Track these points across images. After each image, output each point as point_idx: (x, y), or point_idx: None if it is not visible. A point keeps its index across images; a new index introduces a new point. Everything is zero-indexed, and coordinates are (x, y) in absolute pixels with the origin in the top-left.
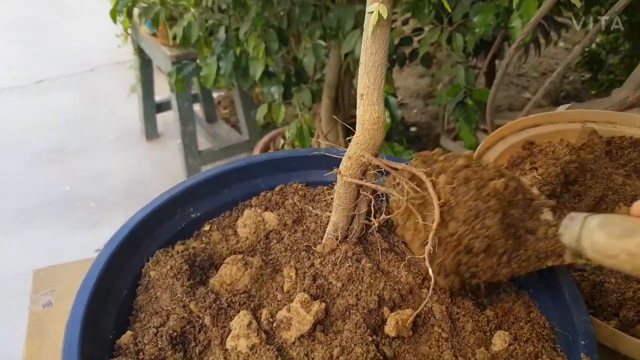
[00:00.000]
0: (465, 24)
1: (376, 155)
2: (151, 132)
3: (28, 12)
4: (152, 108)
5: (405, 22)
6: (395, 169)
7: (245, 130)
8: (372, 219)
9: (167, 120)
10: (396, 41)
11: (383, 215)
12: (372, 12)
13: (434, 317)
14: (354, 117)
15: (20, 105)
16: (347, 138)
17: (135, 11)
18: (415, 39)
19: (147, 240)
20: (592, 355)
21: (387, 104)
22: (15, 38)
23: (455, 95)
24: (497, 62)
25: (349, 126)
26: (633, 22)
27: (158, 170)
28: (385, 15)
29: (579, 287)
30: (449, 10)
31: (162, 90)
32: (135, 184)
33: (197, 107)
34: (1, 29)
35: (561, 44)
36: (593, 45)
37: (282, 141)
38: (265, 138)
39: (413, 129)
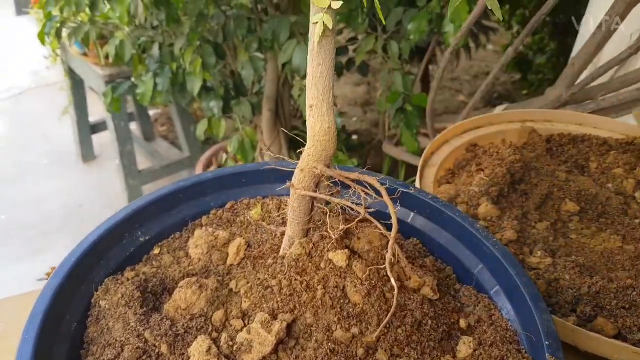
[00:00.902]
0: (398, 31)
1: (329, 166)
2: (87, 153)
3: None
4: (86, 129)
5: (339, 32)
6: (349, 179)
7: (186, 146)
8: (328, 231)
9: (103, 140)
10: None
11: (341, 226)
12: (316, 22)
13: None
14: (296, 127)
15: None
16: (298, 150)
17: (64, 31)
18: (351, 47)
19: (95, 268)
20: (556, 355)
21: None
22: None
23: (395, 102)
24: (430, 67)
25: (295, 136)
26: (556, 22)
27: (97, 193)
28: (330, 25)
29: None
30: (383, 21)
31: (96, 110)
32: (73, 208)
33: (133, 126)
34: None
35: (490, 46)
36: (520, 47)
37: (224, 156)
38: (207, 153)
39: (354, 136)
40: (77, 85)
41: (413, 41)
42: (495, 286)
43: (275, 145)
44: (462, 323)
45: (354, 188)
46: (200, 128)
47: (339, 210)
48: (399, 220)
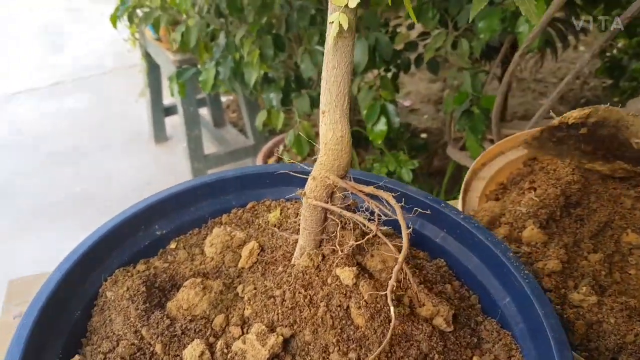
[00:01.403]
0: (471, 28)
1: (343, 177)
2: (160, 135)
3: (46, 17)
4: (160, 112)
5: (410, 27)
6: (363, 192)
7: (251, 135)
8: (333, 245)
9: (176, 123)
10: (401, 46)
11: (351, 242)
12: (332, 22)
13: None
14: (360, 123)
15: (37, 107)
16: (314, 158)
17: (139, 15)
18: (422, 43)
19: (106, 258)
20: None
21: (385, 111)
22: (33, 42)
23: (462, 103)
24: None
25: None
26: None
27: (165, 173)
28: (346, 26)
29: (573, 326)
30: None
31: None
32: (142, 186)
33: (205, 111)
34: (20, 34)
35: (581, 48)
36: (614, 51)
37: (282, 148)
38: (270, 143)
39: (423, 135)
40: (153, 68)
41: (484, 40)
42: (520, 324)
43: None
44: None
45: (368, 203)
46: (260, 118)
47: (352, 225)
48: (427, 239)
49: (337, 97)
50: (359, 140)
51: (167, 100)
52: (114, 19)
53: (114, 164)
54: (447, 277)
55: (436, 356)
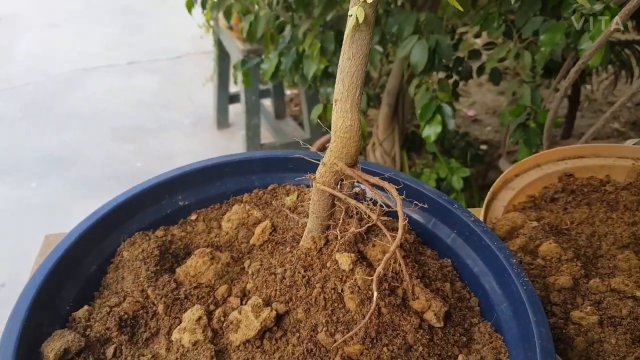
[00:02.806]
0: (536, 42)
1: (353, 165)
2: (222, 121)
3: None
4: (225, 98)
5: (477, 35)
6: (369, 182)
7: (308, 128)
8: (336, 231)
9: (239, 111)
10: (465, 53)
11: (352, 229)
12: (351, 15)
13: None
14: (415, 125)
15: (111, 83)
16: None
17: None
18: (486, 53)
19: (128, 221)
20: None
21: (440, 111)
22: (113, 21)
23: (518, 116)
24: (583, 86)
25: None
26: None
27: None
28: (361, 19)
29: (572, 342)
30: (514, 28)
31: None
32: None
33: (268, 102)
34: (102, 12)
35: None
36: None
37: None
38: (323, 138)
39: (484, 147)
40: (223, 56)
41: (545, 53)
42: (513, 329)
43: (389, 141)
44: (460, 359)
45: (372, 192)
46: (315, 112)
47: (357, 213)
48: (438, 238)
49: (350, 88)
50: (412, 142)
51: (233, 88)
52: (190, 4)
53: (176, 145)
54: (449, 276)
55: (420, 348)
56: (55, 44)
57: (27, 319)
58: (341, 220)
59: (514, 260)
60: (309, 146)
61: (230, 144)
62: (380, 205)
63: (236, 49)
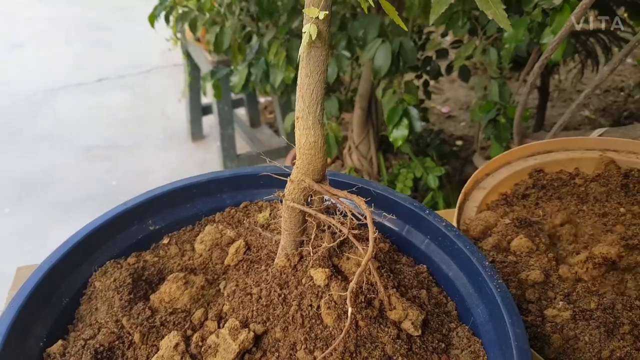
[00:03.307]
0: (500, 38)
1: (321, 180)
2: (196, 133)
3: (93, 13)
4: (198, 110)
5: (444, 34)
6: (337, 197)
7: (284, 135)
8: (309, 247)
9: (213, 122)
10: (431, 53)
11: (325, 244)
12: (305, 32)
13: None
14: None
15: (81, 102)
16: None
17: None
18: (453, 51)
19: (98, 250)
20: None
21: (407, 114)
22: (80, 37)
23: (488, 112)
24: (552, 76)
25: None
26: None
27: (200, 171)
28: (314, 36)
29: (549, 340)
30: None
31: (209, 93)
32: None
33: (242, 111)
34: (68, 29)
35: (629, 60)
36: None
37: None
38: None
39: (459, 142)
40: (193, 68)
41: (509, 49)
42: (490, 332)
43: (364, 144)
44: None
45: (343, 207)
46: (288, 120)
47: (327, 227)
48: (412, 245)
49: (310, 104)
50: (388, 144)
51: (205, 99)
52: (152, 18)
53: (151, 160)
54: (426, 282)
55: (399, 359)
56: (20, 65)
57: None
58: (314, 235)
59: (487, 263)
60: (275, 163)
61: (207, 156)
62: (351, 219)
63: (205, 61)
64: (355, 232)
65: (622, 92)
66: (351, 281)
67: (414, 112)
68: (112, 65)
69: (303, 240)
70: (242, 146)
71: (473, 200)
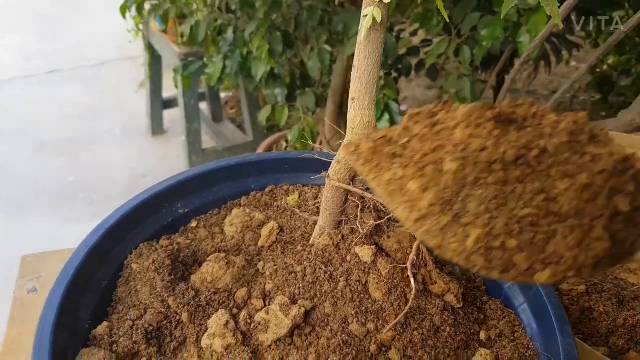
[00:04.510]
0: (474, 37)
1: None
2: (157, 127)
3: (43, 4)
4: (159, 104)
5: (414, 33)
6: None
7: (250, 131)
8: (352, 225)
9: (174, 117)
10: (403, 51)
11: (371, 222)
12: (366, 15)
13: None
14: None
15: (32, 94)
16: (338, 142)
17: (147, 7)
18: (423, 50)
19: (131, 233)
20: None
21: (388, 109)
22: (30, 29)
23: None
24: (505, 76)
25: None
26: None
27: (161, 166)
28: (379, 19)
29: (568, 312)
30: (446, 19)
31: (170, 87)
32: (137, 179)
33: (203, 106)
34: (17, 20)
35: (573, 63)
36: (605, 67)
37: (284, 144)
38: (269, 140)
39: None
40: (155, 61)
41: (485, 48)
42: (523, 303)
43: (336, 139)
44: (483, 335)
45: None
46: (264, 114)
47: (372, 207)
48: None
49: (367, 85)
50: None
51: (166, 93)
52: (124, 10)
53: (109, 155)
54: None
55: (447, 328)
56: None
57: (53, 341)
58: (359, 214)
59: None
60: (320, 147)
61: (169, 151)
62: None
63: (171, 53)
64: None
65: (568, 94)
66: (397, 258)
67: (394, 106)
68: (63, 58)
69: (342, 220)
70: (206, 141)
71: None
